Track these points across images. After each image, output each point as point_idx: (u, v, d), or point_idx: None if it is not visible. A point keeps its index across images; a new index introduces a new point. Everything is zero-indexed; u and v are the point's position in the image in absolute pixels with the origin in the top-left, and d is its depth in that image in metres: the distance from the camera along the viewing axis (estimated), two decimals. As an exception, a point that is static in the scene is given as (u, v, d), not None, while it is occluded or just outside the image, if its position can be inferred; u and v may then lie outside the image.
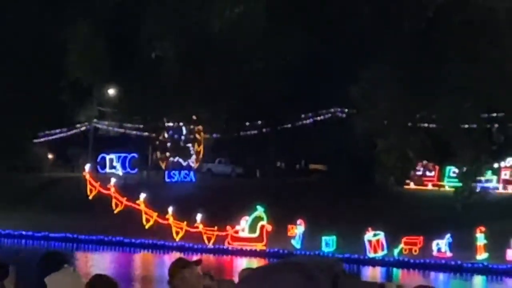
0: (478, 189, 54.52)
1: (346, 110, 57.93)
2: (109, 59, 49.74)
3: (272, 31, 41.06)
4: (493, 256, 47.20)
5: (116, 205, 57.62)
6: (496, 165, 59.12)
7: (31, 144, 63.09)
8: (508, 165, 60.66)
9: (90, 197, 59.67)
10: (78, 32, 48.02)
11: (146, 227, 55.63)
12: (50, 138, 64.99)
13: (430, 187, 61.76)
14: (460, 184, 54.17)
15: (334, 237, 48.50)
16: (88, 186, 60.32)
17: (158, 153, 68.50)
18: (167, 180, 66.45)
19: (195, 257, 35.60)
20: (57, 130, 62.18)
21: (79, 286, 8.27)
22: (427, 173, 61.26)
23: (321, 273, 3.21)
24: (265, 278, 3.32)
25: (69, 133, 67.28)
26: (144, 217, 55.96)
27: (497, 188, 60.03)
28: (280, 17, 40.17)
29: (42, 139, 63.56)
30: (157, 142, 66.70)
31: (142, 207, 56.18)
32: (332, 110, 61.60)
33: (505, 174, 60.98)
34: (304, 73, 52.94)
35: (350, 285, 3.41)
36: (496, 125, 49.08)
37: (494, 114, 49.74)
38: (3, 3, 43.28)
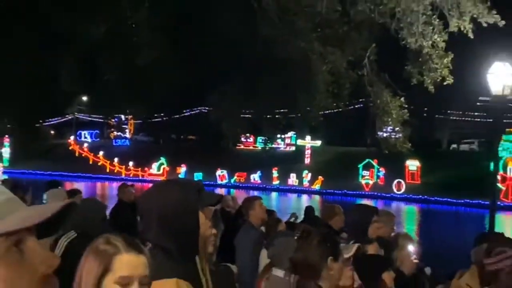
0: (272, 147, 68.13)
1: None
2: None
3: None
4: (282, 181, 67.56)
5: (88, 158, 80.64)
6: (283, 136, 74.11)
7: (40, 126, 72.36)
8: (288, 135, 75.22)
9: (76, 154, 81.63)
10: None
11: (107, 170, 76.45)
12: (52, 122, 76.67)
13: (250, 147, 75.79)
14: (264, 145, 66.13)
15: (201, 174, 63.54)
16: (72, 148, 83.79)
17: (109, 130, 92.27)
18: (114, 144, 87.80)
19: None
20: (56, 118, 72.89)
21: (65, 197, 8.97)
22: (248, 140, 73.95)
23: (192, 187, 3.38)
24: (160, 187, 3.44)
25: (62, 120, 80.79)
26: (101, 163, 78.25)
27: (284, 147, 77.65)
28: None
29: (47, 123, 72.45)
30: (109, 124, 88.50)
31: (101, 158, 78.92)
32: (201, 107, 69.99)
33: (287, 140, 77.09)
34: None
35: (208, 197, 3.47)
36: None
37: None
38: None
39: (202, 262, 3.45)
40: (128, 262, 2.57)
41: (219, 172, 69.17)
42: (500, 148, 55.23)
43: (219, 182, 67.53)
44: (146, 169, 73.59)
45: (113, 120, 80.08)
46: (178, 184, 3.52)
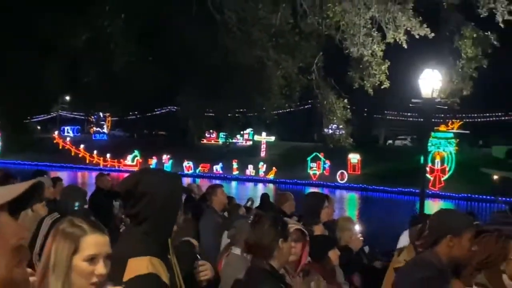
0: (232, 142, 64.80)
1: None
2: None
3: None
4: (241, 171, 67.55)
5: (70, 151, 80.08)
6: (242, 132, 73.10)
7: (28, 122, 72.31)
8: (246, 132, 74.96)
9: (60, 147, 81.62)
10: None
11: (82, 158, 77.61)
12: (39, 119, 74.72)
13: (213, 142, 73.41)
14: (225, 140, 60.76)
15: (169, 165, 66.83)
16: (56, 141, 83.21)
17: (89, 126, 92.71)
18: (93, 138, 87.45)
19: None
20: (42, 115, 68.85)
21: (50, 184, 8.91)
22: (211, 135, 71.53)
23: (176, 176, 3.41)
24: (151, 173, 3.44)
25: (47, 116, 77.73)
26: (82, 155, 78.10)
27: (242, 142, 77.00)
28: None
29: (34, 119, 72.14)
30: (89, 121, 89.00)
31: (82, 151, 78.61)
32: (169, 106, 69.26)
33: (245, 136, 76.70)
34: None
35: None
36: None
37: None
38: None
39: (171, 243, 3.44)
40: (94, 242, 2.61)
41: (185, 164, 69.32)
42: (429, 144, 55.89)
43: (185, 172, 67.10)
44: (121, 160, 73.74)
45: (92, 117, 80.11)
46: (165, 172, 3.58)
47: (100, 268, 2.58)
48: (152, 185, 3.28)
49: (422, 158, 19.67)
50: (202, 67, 19.53)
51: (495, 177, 54.96)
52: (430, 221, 4.46)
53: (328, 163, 65.42)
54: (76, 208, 7.01)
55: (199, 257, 3.92)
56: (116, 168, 69.43)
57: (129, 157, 73.41)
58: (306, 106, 57.42)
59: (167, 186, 3.31)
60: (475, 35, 16.28)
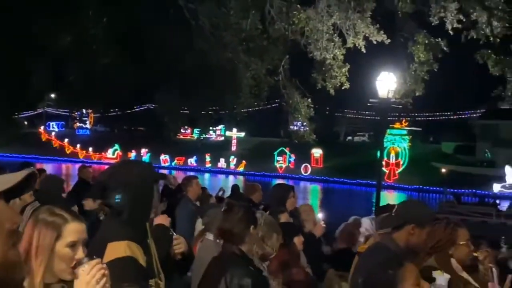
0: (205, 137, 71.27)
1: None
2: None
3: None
4: (213, 164, 67.59)
5: (55, 144, 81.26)
6: (215, 128, 75.11)
7: (16, 117, 71.89)
8: (218, 128, 76.32)
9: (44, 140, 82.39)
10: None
11: (67, 152, 78.13)
12: (26, 115, 73.48)
13: (188, 137, 74.08)
14: (199, 135, 70.95)
15: (148, 158, 66.08)
16: (42, 136, 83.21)
17: (73, 122, 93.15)
18: (77, 133, 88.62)
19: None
20: (29, 111, 67.30)
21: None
22: (186, 131, 72.62)
23: (148, 165, 3.48)
24: (125, 164, 3.51)
25: (34, 113, 77.73)
26: (66, 149, 78.79)
27: (215, 137, 77.84)
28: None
29: (22, 115, 67.50)
30: (73, 117, 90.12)
31: (66, 145, 79.02)
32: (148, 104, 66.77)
33: (217, 131, 77.69)
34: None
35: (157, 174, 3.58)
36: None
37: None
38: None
39: (149, 226, 3.43)
40: (75, 229, 2.64)
41: (162, 157, 69.73)
42: (385, 140, 56.61)
43: (162, 164, 67.53)
44: (103, 153, 73.76)
45: (76, 113, 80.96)
46: (138, 163, 3.75)
47: (80, 253, 2.60)
48: (124, 177, 3.28)
49: (378, 153, 19.87)
50: (178, 68, 19.47)
51: (443, 170, 55.70)
52: (398, 207, 4.48)
53: (293, 157, 65.81)
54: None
55: (174, 234, 3.93)
56: (98, 161, 68.84)
57: (110, 151, 73.32)
58: (273, 105, 57.11)
59: (139, 176, 3.30)
60: (427, 41, 16.45)
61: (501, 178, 54.15)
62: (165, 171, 53.48)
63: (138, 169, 3.36)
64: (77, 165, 18.31)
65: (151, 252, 3.32)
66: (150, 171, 3.45)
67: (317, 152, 64.79)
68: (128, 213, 3.22)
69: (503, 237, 16.29)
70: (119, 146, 72.69)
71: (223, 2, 16.80)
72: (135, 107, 75.65)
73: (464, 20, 15.43)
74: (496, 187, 53.30)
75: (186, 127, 64.97)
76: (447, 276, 4.25)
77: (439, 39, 16.51)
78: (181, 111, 23.87)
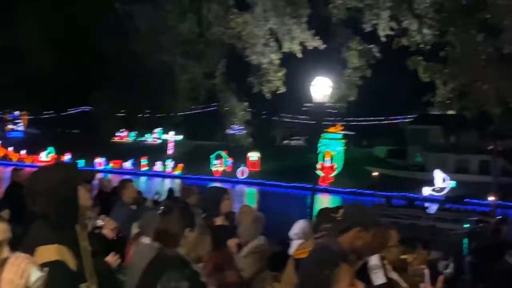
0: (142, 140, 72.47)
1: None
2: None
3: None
4: (150, 168, 67.74)
5: None
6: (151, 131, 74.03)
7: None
8: (155, 131, 74.86)
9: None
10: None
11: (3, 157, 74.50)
12: None
13: (124, 140, 74.69)
14: (135, 138, 71.55)
15: (83, 161, 62.26)
16: None
17: (5, 124, 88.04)
18: (8, 136, 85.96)
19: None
20: None
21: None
22: (122, 134, 73.11)
23: (71, 166, 3.41)
24: (45, 168, 3.33)
25: None
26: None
27: (151, 140, 77.96)
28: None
29: None
30: (5, 119, 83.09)
31: None
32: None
33: (154, 134, 76.78)
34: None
35: (85, 174, 3.49)
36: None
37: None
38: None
39: (82, 229, 3.39)
40: (1, 230, 2.63)
41: (97, 160, 68.94)
42: (319, 144, 57.50)
43: (97, 168, 66.38)
44: (36, 156, 72.31)
45: (8, 115, 78.30)
46: (59, 165, 3.50)
47: (6, 252, 2.58)
48: (45, 182, 3.24)
49: (313, 157, 20.09)
50: (115, 71, 19.25)
51: (375, 174, 56.77)
52: (345, 211, 4.54)
53: (230, 160, 65.82)
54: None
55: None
56: (31, 164, 66.99)
57: (44, 154, 71.93)
58: (211, 108, 57.23)
59: (62, 179, 3.26)
60: (360, 48, 16.77)
61: (431, 182, 55.46)
62: (100, 175, 53.91)
63: (60, 173, 3.31)
64: (9, 168, 17.90)
65: (83, 255, 3.29)
66: (73, 173, 3.40)
67: (254, 155, 65.06)
68: (55, 217, 3.18)
69: (432, 238, 16.70)
70: (53, 149, 71.26)
71: (160, 5, 16.69)
72: (70, 109, 74.51)
73: (396, 27, 15.76)
74: (426, 191, 54.60)
75: (122, 129, 63.66)
76: (376, 255, 4.35)
77: (372, 45, 16.83)
78: (117, 114, 23.60)
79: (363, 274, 4.25)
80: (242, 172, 64.33)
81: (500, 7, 13.78)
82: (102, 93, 21.11)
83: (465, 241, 16.87)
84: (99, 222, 4.31)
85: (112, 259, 4.41)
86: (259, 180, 62.36)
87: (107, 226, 3.81)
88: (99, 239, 4.65)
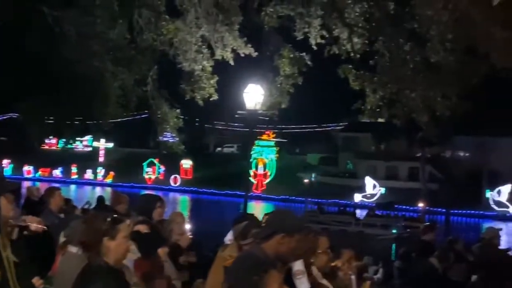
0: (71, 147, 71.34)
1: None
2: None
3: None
4: (80, 175, 68.21)
5: None
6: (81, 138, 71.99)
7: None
8: (85, 138, 71.93)
9: None
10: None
11: None
12: None
13: (53, 147, 72.78)
14: (64, 145, 69.68)
15: (10, 169, 63.92)
16: None
17: None
18: None
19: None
20: None
21: None
22: (51, 141, 70.85)
23: None
24: None
25: None
26: None
27: (81, 148, 76.24)
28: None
29: None
30: None
31: None
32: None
33: (84, 142, 75.62)
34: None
35: (7, 185, 3.41)
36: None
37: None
38: None
39: (3, 239, 3.30)
40: None
41: (26, 168, 68.45)
42: (252, 151, 57.87)
43: (26, 176, 65.92)
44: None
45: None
46: None
47: None
48: None
49: (246, 164, 20.17)
50: (43, 76, 18.82)
51: (306, 180, 57.50)
52: (268, 217, 4.57)
53: (162, 168, 65.63)
54: None
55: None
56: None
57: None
58: (142, 115, 56.94)
59: None
60: (292, 55, 16.94)
61: (361, 188, 56.55)
62: (28, 183, 52.67)
63: None
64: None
65: (5, 266, 3.20)
66: None
67: (186, 163, 64.98)
68: None
69: (361, 244, 17.01)
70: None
71: (90, 10, 16.42)
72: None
73: (327, 36, 16.00)
74: (357, 197, 55.69)
75: (51, 137, 62.42)
76: (299, 261, 4.39)
77: (304, 53, 17.03)
78: (46, 121, 23.10)
79: (288, 280, 4.27)
80: (175, 180, 64.01)
81: (427, 17, 14.17)
82: (31, 99, 20.61)
83: (393, 246, 17.24)
84: (22, 223, 4.22)
85: (37, 283, 4.26)
86: (192, 188, 62.27)
87: (31, 221, 3.73)
88: (26, 244, 4.53)
